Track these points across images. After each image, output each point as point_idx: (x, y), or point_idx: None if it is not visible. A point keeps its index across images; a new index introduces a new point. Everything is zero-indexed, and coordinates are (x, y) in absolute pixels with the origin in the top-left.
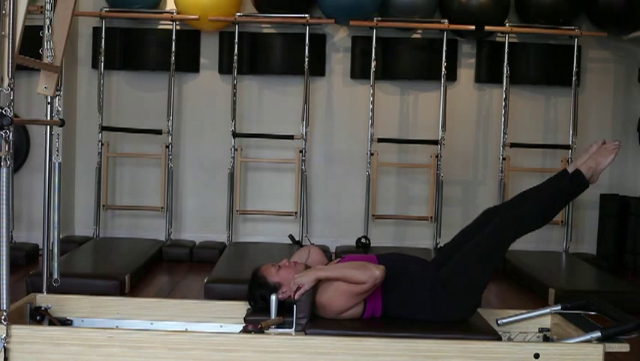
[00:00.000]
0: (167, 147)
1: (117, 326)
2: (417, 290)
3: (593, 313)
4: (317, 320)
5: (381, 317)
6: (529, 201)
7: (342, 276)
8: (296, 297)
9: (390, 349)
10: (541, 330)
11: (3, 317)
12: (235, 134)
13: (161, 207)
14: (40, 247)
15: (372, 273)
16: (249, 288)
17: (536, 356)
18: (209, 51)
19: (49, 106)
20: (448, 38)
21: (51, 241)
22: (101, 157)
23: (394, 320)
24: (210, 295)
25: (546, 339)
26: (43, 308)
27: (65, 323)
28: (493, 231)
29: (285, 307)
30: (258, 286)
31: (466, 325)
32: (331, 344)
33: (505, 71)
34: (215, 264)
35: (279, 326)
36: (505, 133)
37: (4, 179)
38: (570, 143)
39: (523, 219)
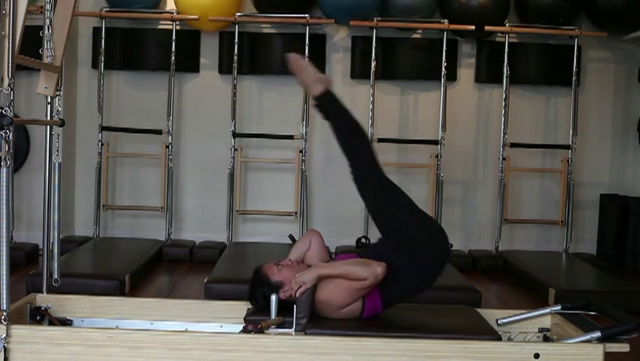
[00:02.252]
0: (167, 147)
1: (117, 326)
2: (404, 270)
3: (593, 313)
4: (317, 320)
5: (382, 312)
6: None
7: (343, 273)
8: (297, 295)
9: (390, 349)
10: (541, 330)
11: (3, 317)
12: (235, 135)
13: (161, 207)
14: (40, 247)
15: (373, 269)
16: (250, 286)
17: (536, 356)
18: (209, 51)
19: (49, 106)
20: (448, 38)
21: (51, 241)
22: (101, 157)
23: (394, 320)
24: (210, 295)
25: (546, 339)
26: (43, 308)
27: (65, 323)
28: (365, 181)
29: (285, 307)
30: (260, 284)
31: (466, 325)
32: (331, 344)
33: (505, 71)
34: (215, 264)
35: (279, 326)
36: (505, 133)
37: (4, 179)
38: (570, 143)
39: (354, 153)
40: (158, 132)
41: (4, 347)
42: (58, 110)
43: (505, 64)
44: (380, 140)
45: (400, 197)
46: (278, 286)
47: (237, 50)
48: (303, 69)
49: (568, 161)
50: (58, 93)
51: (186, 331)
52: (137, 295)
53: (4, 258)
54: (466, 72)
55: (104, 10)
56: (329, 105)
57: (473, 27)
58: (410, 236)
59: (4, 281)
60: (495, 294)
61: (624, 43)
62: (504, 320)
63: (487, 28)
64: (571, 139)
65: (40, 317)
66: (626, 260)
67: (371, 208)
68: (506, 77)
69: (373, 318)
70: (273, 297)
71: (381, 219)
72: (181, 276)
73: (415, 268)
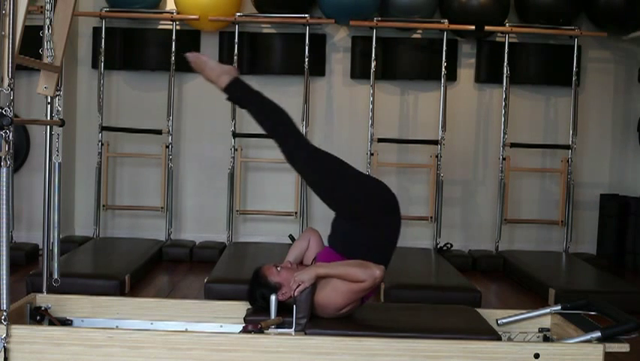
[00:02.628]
0: (167, 147)
1: (117, 326)
2: (365, 237)
3: (593, 313)
4: (317, 320)
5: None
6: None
7: (341, 274)
8: (296, 294)
9: (390, 349)
10: (541, 330)
11: (3, 317)
12: (235, 135)
13: (161, 207)
14: (40, 247)
15: (372, 272)
16: (249, 287)
17: (536, 356)
18: (209, 51)
19: (49, 106)
20: (448, 38)
21: (51, 241)
22: (101, 157)
23: (394, 320)
24: (210, 295)
25: (546, 339)
26: (43, 308)
27: (65, 323)
28: (295, 158)
29: (284, 308)
30: (259, 285)
31: (466, 325)
32: (331, 344)
33: (505, 71)
34: (215, 264)
35: (278, 326)
36: (505, 133)
37: (4, 179)
38: (570, 143)
39: (278, 134)
40: (158, 132)
41: (4, 347)
42: (58, 110)
43: (505, 64)
44: (380, 140)
45: (331, 164)
46: (277, 288)
47: (237, 50)
48: (205, 65)
49: (568, 161)
50: (58, 93)
51: (186, 331)
52: (137, 295)
53: (4, 258)
54: (466, 72)
55: (104, 10)
56: (239, 93)
57: (473, 27)
58: (353, 202)
59: (4, 281)
60: (495, 294)
61: (624, 43)
62: (504, 320)
63: (487, 28)
64: (571, 139)
65: (40, 316)
66: (626, 260)
67: (310, 184)
68: (506, 77)
69: (373, 318)
70: (273, 297)
71: (321, 192)
72: (181, 276)
73: (374, 228)
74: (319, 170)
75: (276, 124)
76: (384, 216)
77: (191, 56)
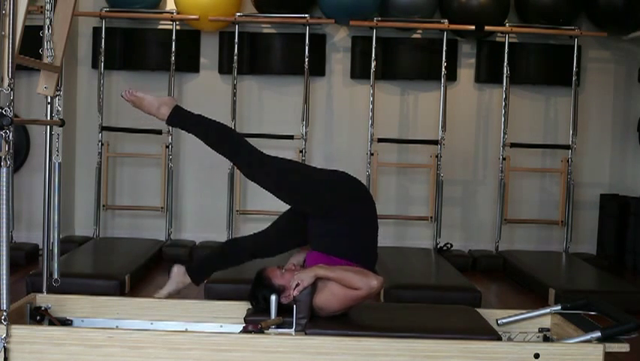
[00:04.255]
0: (167, 147)
1: (117, 326)
2: (341, 228)
3: (593, 313)
4: (317, 320)
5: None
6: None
7: (340, 277)
8: (295, 293)
9: (390, 349)
10: (541, 330)
11: (3, 317)
12: None
13: (161, 207)
14: (40, 247)
15: (368, 281)
16: (252, 288)
17: (536, 356)
18: (209, 51)
19: (49, 106)
20: (448, 38)
21: (51, 241)
22: (101, 157)
23: (394, 320)
24: (210, 295)
25: (546, 339)
26: (43, 308)
27: (65, 323)
28: (253, 173)
29: (284, 308)
30: (262, 287)
31: (466, 325)
32: (331, 344)
33: (505, 71)
34: None
35: (279, 326)
36: (505, 133)
37: (4, 179)
38: (570, 143)
39: (229, 153)
40: (158, 132)
41: (4, 347)
42: (58, 110)
43: (505, 64)
44: (380, 140)
45: (288, 166)
46: (280, 290)
47: (237, 50)
48: (142, 101)
49: (568, 161)
50: (58, 93)
51: (186, 331)
52: (137, 295)
53: (4, 258)
54: (466, 72)
55: (104, 10)
56: (183, 121)
57: (473, 27)
58: (319, 197)
59: (4, 281)
60: (495, 294)
61: (624, 43)
62: (504, 320)
63: (487, 28)
64: (571, 139)
65: (40, 317)
66: (626, 260)
67: (274, 191)
68: (506, 77)
69: (373, 318)
70: (273, 297)
71: (287, 196)
72: None
73: (349, 218)
74: (278, 175)
75: (226, 144)
76: (356, 203)
77: (126, 94)
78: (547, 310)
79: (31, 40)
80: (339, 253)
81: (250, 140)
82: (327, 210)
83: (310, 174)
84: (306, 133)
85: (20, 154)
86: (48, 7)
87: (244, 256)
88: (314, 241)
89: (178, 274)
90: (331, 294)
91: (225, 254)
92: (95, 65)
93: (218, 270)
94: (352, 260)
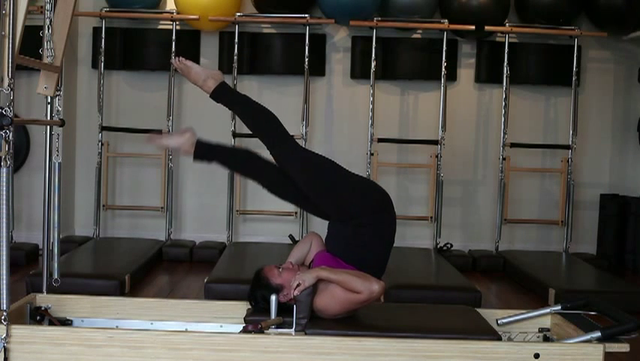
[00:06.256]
0: None
1: (117, 326)
2: (365, 235)
3: (593, 313)
4: (317, 320)
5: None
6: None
7: (342, 280)
8: (295, 293)
9: (390, 349)
10: (541, 330)
11: (3, 317)
12: (235, 135)
13: (161, 207)
14: (40, 247)
15: (370, 285)
16: (250, 288)
17: (536, 356)
18: (209, 51)
19: (49, 106)
20: (448, 38)
21: (51, 241)
22: (101, 157)
23: (394, 320)
24: (210, 295)
25: (546, 339)
26: (43, 308)
27: (65, 323)
28: (284, 158)
29: (285, 308)
30: (260, 286)
31: (466, 325)
32: (331, 344)
33: (505, 71)
34: (215, 264)
35: (278, 326)
36: (505, 133)
37: (4, 179)
38: (570, 143)
39: (266, 133)
40: (158, 132)
41: (4, 347)
42: (58, 110)
43: (505, 64)
44: (380, 140)
45: (324, 165)
46: (278, 289)
47: (237, 50)
48: (190, 70)
49: (568, 161)
50: (58, 93)
51: (186, 331)
52: (137, 295)
53: (4, 258)
54: (466, 72)
55: (104, 10)
56: (227, 97)
57: (473, 27)
58: (349, 201)
59: (4, 281)
60: (495, 294)
61: (624, 43)
62: (504, 320)
63: (487, 28)
64: (571, 139)
65: (40, 316)
66: (626, 260)
67: (304, 185)
68: (506, 77)
69: (373, 318)
70: (273, 297)
71: (317, 194)
72: (181, 276)
73: (370, 228)
74: (313, 171)
75: (263, 125)
76: (380, 215)
77: (176, 61)
78: (547, 310)
79: (31, 40)
80: (350, 259)
81: (250, 140)
82: (352, 217)
83: (343, 177)
84: (306, 133)
85: (20, 154)
86: (48, 7)
87: (260, 167)
88: (330, 242)
89: (187, 131)
90: (332, 296)
91: (242, 152)
92: (95, 65)
93: (224, 162)
94: (361, 269)
